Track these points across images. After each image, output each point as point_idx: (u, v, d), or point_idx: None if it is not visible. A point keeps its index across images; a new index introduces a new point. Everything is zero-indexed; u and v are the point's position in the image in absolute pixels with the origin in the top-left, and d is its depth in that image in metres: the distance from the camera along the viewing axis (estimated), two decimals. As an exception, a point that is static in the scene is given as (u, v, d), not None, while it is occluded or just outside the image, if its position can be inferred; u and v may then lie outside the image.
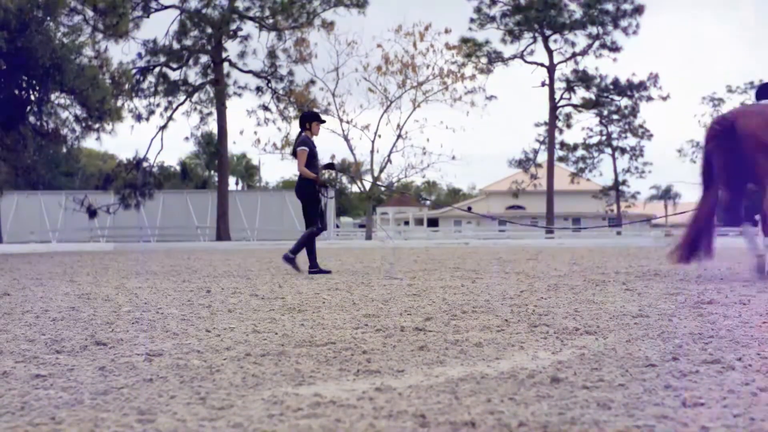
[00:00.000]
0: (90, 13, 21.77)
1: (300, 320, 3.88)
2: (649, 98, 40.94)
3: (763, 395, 2.12)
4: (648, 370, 2.47)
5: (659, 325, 3.58)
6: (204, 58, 31.60)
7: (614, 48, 40.23)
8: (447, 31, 33.20)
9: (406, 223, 60.05)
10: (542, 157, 42.84)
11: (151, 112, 31.01)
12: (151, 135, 31.60)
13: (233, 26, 30.97)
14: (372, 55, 54.15)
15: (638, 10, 39.43)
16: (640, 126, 42.34)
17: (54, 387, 2.31)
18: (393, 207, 58.99)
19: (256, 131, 41.96)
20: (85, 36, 20.88)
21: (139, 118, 30.38)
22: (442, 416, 1.91)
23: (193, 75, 31.95)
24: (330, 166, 9.18)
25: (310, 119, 8.25)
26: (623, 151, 43.46)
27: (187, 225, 34.20)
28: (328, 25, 31.79)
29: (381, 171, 31.90)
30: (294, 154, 8.12)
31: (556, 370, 2.48)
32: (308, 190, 8.04)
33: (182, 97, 31.57)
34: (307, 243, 8.01)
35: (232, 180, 60.41)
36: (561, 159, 44.01)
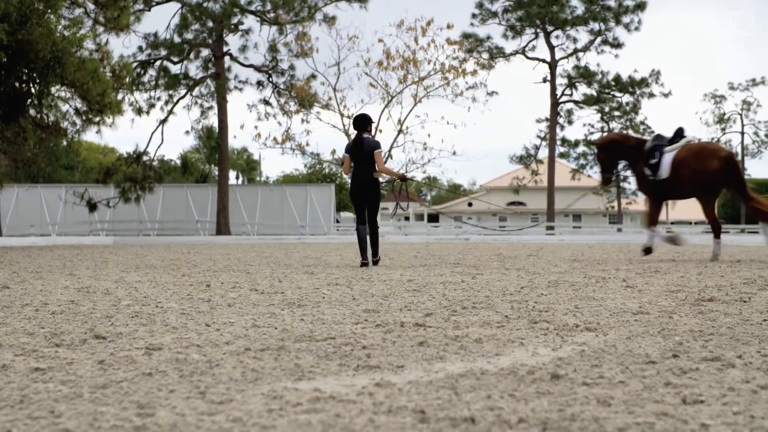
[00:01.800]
0: (91, 6, 21.72)
1: (300, 315, 3.88)
2: (651, 95, 40.88)
3: (764, 393, 2.12)
4: (648, 367, 2.47)
5: (659, 322, 3.58)
6: (205, 52, 31.53)
7: (616, 44, 40.16)
8: (449, 27, 33.20)
9: (407, 218, 60.06)
10: (543, 154, 42.84)
11: (152, 106, 30.95)
12: (152, 129, 31.59)
13: (234, 20, 30.87)
14: (373, 49, 54.25)
15: (640, 6, 39.34)
16: (642, 122, 42.30)
17: (53, 380, 2.31)
18: (393, 202, 58.97)
19: (256, 125, 42.04)
20: (85, 29, 20.78)
21: (139, 111, 30.33)
22: (442, 412, 1.91)
23: (194, 69, 31.89)
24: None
25: (371, 122, 8.99)
26: (624, 147, 43.34)
27: (187, 219, 34.20)
28: (329, 20, 31.73)
29: (381, 166, 31.93)
30: (365, 153, 8.59)
31: (556, 366, 2.48)
32: (379, 188, 8.83)
33: (183, 91, 31.50)
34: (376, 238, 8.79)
35: (232, 174, 60.40)
36: (562, 155, 43.97)
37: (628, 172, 10.54)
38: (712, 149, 9.72)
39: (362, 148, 8.59)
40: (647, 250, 9.91)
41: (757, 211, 9.51)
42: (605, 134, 10.22)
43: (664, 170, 9.43)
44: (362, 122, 8.75)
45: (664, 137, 9.84)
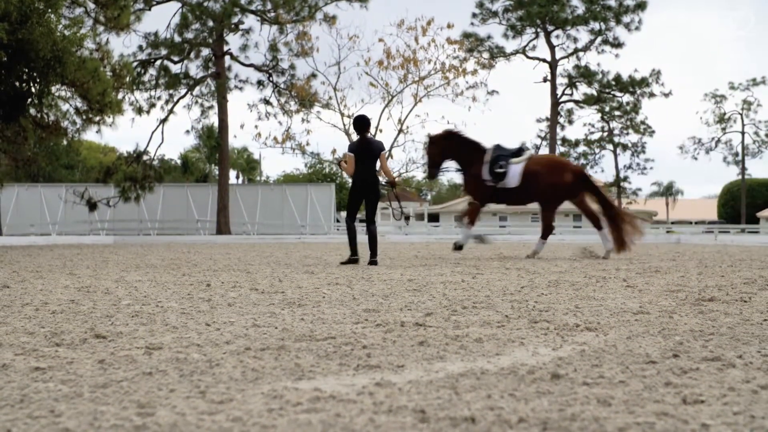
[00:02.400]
0: (91, 5, 21.70)
1: (300, 315, 3.87)
2: (651, 94, 40.89)
3: (764, 393, 2.12)
4: (648, 367, 2.47)
5: (660, 321, 3.58)
6: (205, 51, 31.53)
7: (616, 44, 40.17)
8: (449, 26, 33.20)
9: (407, 218, 60.04)
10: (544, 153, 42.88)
11: (152, 105, 30.95)
12: (152, 128, 31.64)
13: (235, 19, 30.87)
14: (374, 49, 54.24)
15: (641, 5, 39.35)
16: (642, 122, 42.30)
17: (53, 380, 2.31)
18: (394, 202, 58.94)
19: (257, 125, 42.14)
20: (86, 28, 20.76)
21: (139, 111, 30.32)
22: (442, 411, 1.91)
23: (195, 68, 31.90)
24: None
25: (370, 123, 9.18)
26: (625, 147, 43.41)
27: (187, 218, 34.20)
28: (329, 19, 31.72)
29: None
30: (372, 153, 8.83)
31: (557, 366, 2.48)
32: (379, 188, 8.98)
33: (183, 91, 31.50)
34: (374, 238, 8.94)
35: (232, 174, 60.40)
36: (562, 155, 43.97)
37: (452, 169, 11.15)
38: (564, 163, 10.99)
39: (368, 149, 8.84)
40: (458, 247, 10.85)
41: (614, 220, 10.38)
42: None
43: (513, 179, 10.37)
44: (365, 123, 8.99)
45: (506, 149, 10.77)
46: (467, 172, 10.67)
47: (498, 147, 10.70)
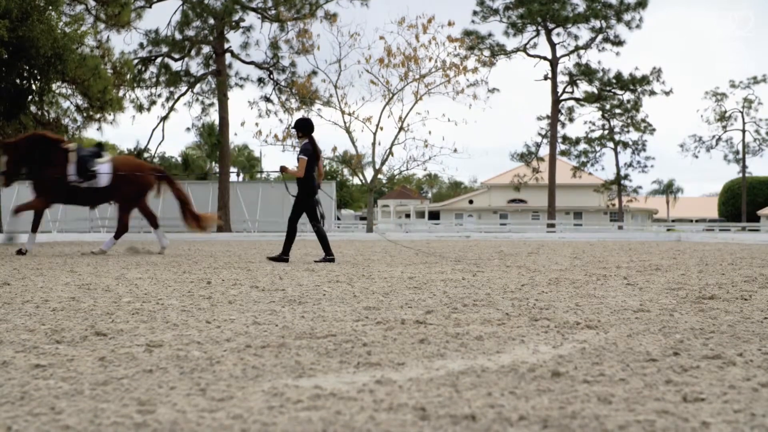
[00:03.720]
0: (92, 2, 21.70)
1: (300, 312, 3.87)
2: (652, 92, 40.85)
3: (764, 391, 2.12)
4: (649, 365, 2.47)
5: (660, 320, 3.58)
6: (206, 49, 31.52)
7: (617, 42, 40.14)
8: (450, 24, 33.05)
9: (408, 215, 60.07)
10: (544, 151, 42.85)
11: (153, 103, 30.96)
12: (153, 125, 31.62)
13: (236, 17, 30.85)
14: (374, 47, 54.06)
15: (641, 3, 39.30)
16: (643, 120, 42.26)
17: (54, 377, 2.31)
18: (394, 199, 59.00)
19: (257, 122, 41.98)
20: (86, 26, 20.79)
21: (140, 108, 30.33)
22: (443, 409, 1.91)
23: (195, 66, 31.88)
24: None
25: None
26: (625, 145, 43.40)
27: (188, 216, 34.14)
28: (330, 17, 31.67)
29: (383, 163, 31.87)
30: (318, 156, 8.95)
31: (557, 364, 2.48)
32: None
33: (184, 88, 31.49)
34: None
35: (233, 171, 60.38)
36: (563, 153, 43.95)
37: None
38: (146, 164, 11.83)
39: (316, 151, 8.93)
40: (21, 252, 11.16)
41: (195, 219, 11.70)
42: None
43: (104, 179, 10.62)
44: (312, 126, 8.99)
45: (86, 149, 11.01)
46: (44, 172, 10.50)
47: (81, 147, 10.90)
